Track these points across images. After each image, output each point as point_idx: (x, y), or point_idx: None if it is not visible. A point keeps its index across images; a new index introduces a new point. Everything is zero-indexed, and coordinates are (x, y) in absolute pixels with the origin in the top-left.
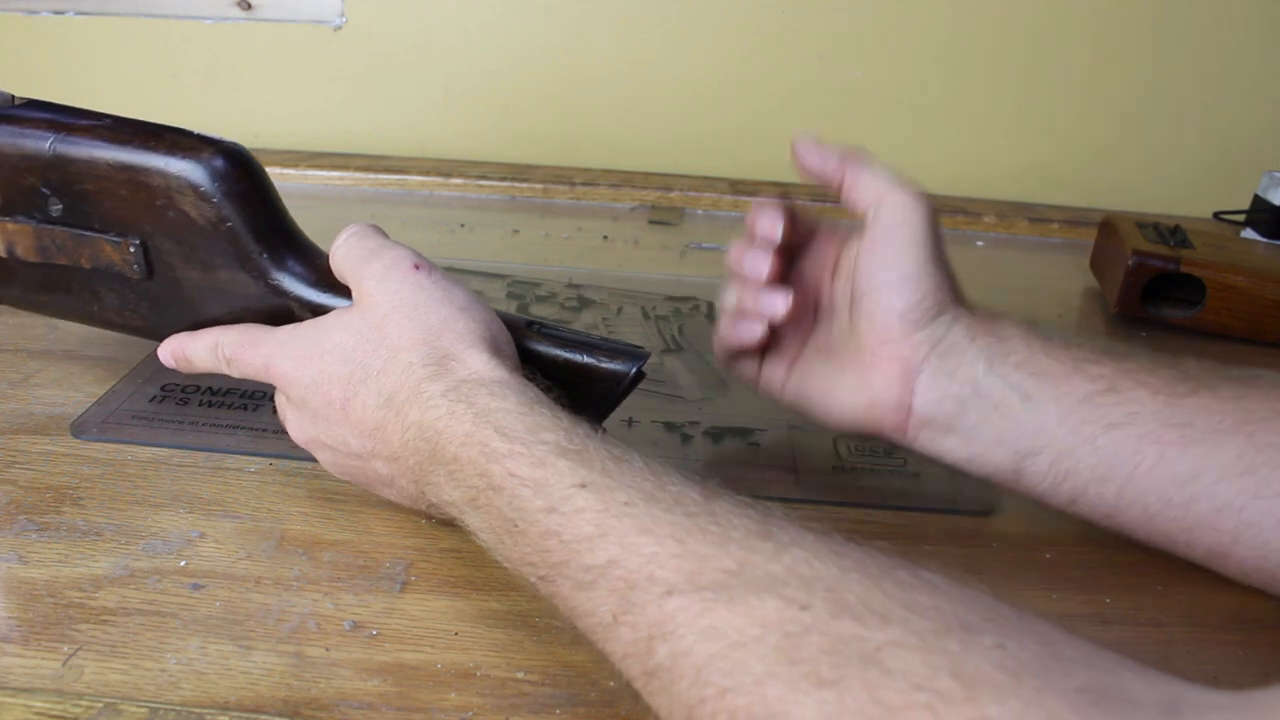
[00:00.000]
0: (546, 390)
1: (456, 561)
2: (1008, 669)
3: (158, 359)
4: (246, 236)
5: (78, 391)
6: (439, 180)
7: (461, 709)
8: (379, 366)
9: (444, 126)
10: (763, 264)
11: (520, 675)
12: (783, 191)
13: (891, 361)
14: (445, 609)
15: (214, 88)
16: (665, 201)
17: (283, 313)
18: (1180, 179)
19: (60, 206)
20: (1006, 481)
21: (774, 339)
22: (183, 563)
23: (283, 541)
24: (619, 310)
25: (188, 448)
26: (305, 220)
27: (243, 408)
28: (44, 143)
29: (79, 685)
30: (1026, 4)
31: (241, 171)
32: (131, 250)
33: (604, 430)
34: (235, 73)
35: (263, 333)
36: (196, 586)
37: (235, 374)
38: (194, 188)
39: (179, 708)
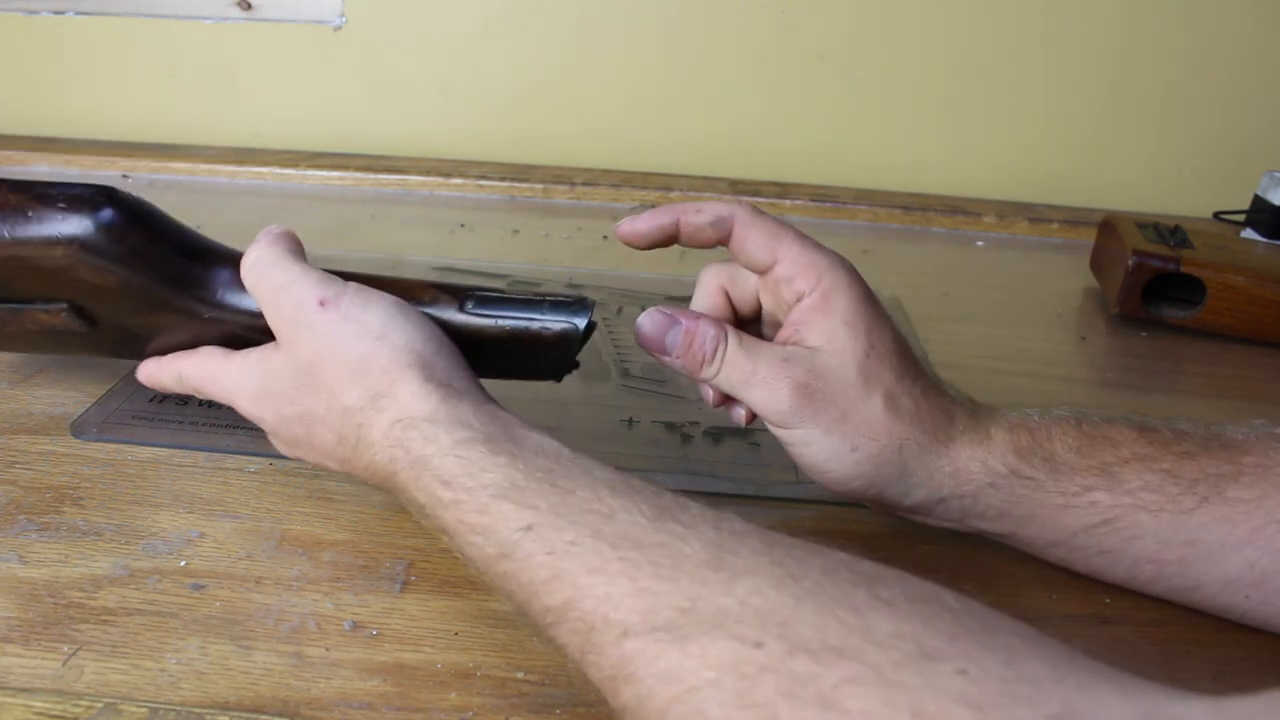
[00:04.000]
0: (480, 409)
1: (456, 561)
2: (970, 701)
3: None
4: (160, 287)
5: (78, 391)
6: (439, 180)
7: (461, 709)
8: (322, 412)
9: (444, 126)
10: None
11: (520, 675)
12: (782, 191)
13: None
14: (445, 609)
15: (214, 88)
16: (665, 201)
17: (231, 333)
18: (1180, 179)
19: None
20: None
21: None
22: (183, 563)
23: (283, 541)
24: (619, 310)
25: (188, 448)
26: (306, 220)
27: None
28: None
29: (79, 685)
30: (1026, 5)
31: (122, 228)
32: (63, 315)
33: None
34: (235, 73)
35: (219, 364)
36: (196, 586)
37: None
38: (85, 262)
39: (179, 708)
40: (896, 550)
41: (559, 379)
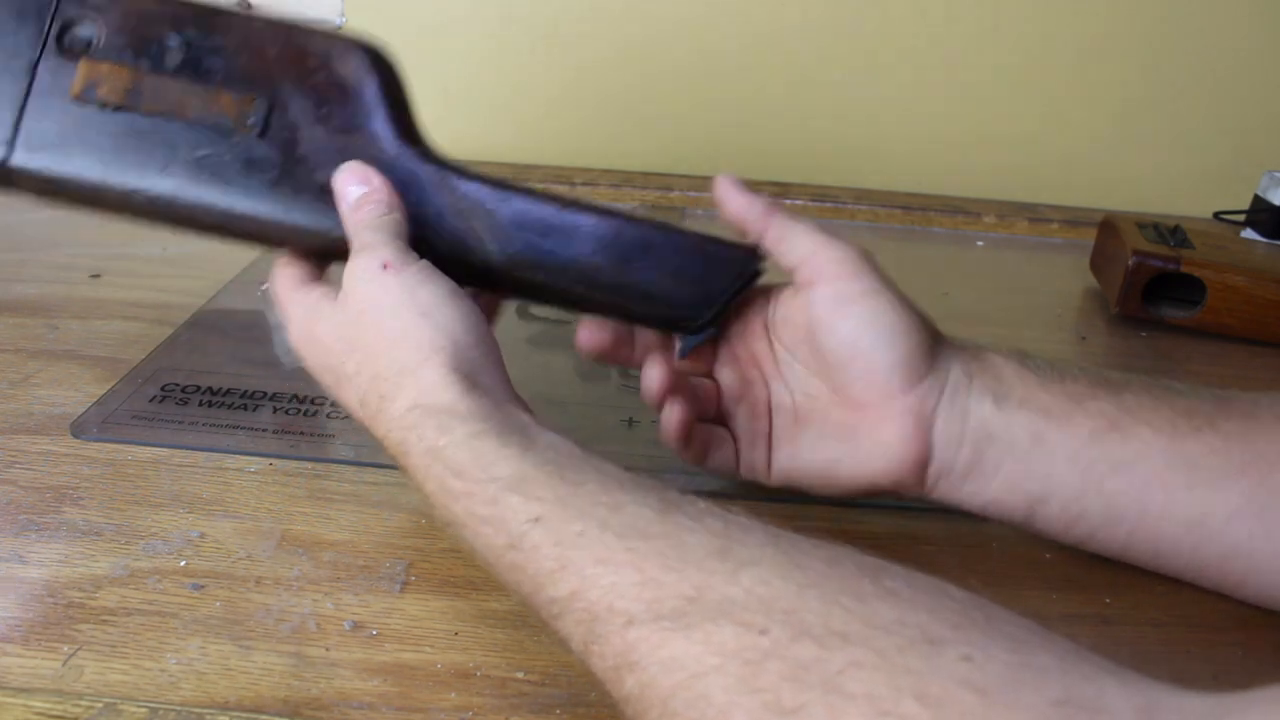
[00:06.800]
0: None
1: (456, 561)
2: (974, 685)
3: (158, 359)
4: (401, 102)
5: (78, 391)
6: None
7: (461, 709)
8: (352, 371)
9: (444, 126)
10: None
11: (520, 675)
12: (782, 191)
13: (904, 415)
14: (445, 609)
15: None
16: (665, 201)
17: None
18: (1180, 179)
19: (181, 58)
20: (1020, 525)
21: (728, 421)
22: (183, 563)
23: (283, 541)
24: None
25: (188, 448)
26: None
27: (243, 408)
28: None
29: (79, 685)
30: (1026, 5)
31: (399, 81)
32: (254, 103)
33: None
34: None
35: (287, 291)
36: (197, 586)
37: None
38: (359, 55)
39: (179, 708)
40: (896, 551)
41: (704, 324)
